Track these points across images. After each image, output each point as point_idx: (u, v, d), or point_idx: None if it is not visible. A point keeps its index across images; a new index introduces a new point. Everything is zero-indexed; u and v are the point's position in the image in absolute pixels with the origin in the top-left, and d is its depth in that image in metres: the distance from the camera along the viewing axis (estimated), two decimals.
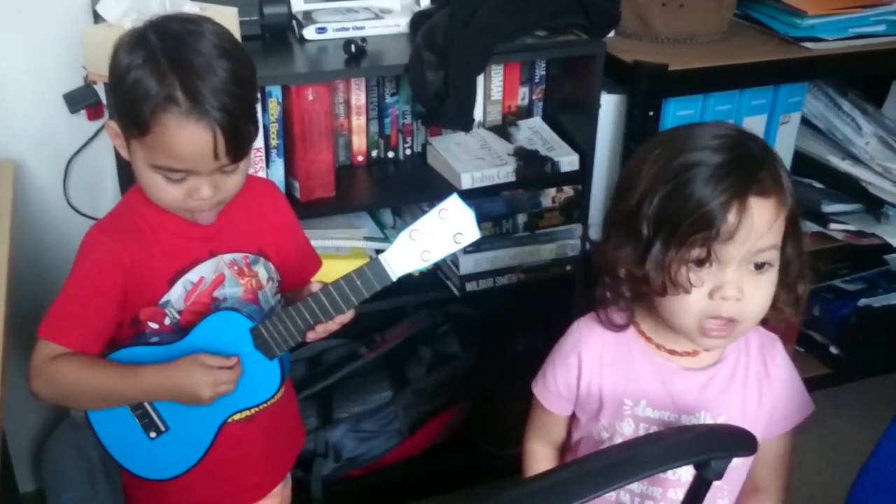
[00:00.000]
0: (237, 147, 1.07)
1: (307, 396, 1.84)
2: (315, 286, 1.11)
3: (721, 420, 1.11)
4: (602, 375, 1.14)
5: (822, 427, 2.14)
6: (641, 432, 1.13)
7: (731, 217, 0.96)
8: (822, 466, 2.04)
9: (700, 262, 0.99)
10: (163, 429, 1.18)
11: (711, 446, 0.83)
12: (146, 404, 1.17)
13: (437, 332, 2.01)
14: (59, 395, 1.13)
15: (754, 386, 1.13)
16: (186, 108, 1.01)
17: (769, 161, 1.02)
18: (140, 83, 1.02)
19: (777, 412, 1.14)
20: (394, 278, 1.07)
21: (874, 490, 0.98)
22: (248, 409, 1.19)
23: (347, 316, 1.13)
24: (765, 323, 1.11)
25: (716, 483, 0.88)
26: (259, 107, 1.54)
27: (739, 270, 1.00)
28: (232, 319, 1.13)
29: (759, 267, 1.01)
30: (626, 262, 1.04)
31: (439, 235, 1.04)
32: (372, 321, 1.99)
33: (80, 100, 1.56)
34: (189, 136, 1.03)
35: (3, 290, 1.21)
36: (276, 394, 1.18)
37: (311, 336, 1.13)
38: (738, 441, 0.88)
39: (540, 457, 1.27)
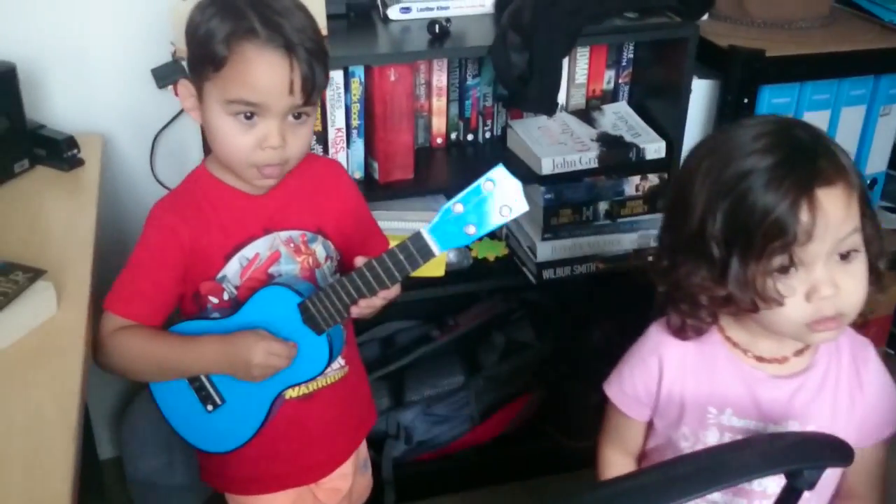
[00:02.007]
0: (311, 85, 1.07)
1: (380, 377, 1.84)
2: (359, 261, 1.09)
3: (810, 429, 1.05)
4: (685, 381, 1.10)
5: None
6: (727, 441, 1.08)
7: (804, 216, 0.91)
8: None
9: (784, 270, 0.94)
10: (219, 402, 1.19)
11: (805, 455, 0.79)
12: (203, 377, 1.18)
13: (511, 319, 1.98)
14: (121, 366, 1.15)
15: (846, 393, 1.07)
16: (265, 36, 1.04)
17: (822, 146, 0.96)
18: (217, 21, 1.05)
19: (870, 421, 1.08)
20: (437, 253, 1.02)
21: None
22: (299, 384, 1.19)
23: (392, 291, 1.10)
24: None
25: (805, 494, 0.84)
26: (342, 86, 1.55)
27: (828, 265, 0.95)
28: (280, 294, 1.13)
29: (846, 256, 0.96)
30: (705, 286, 0.99)
31: (485, 208, 0.99)
32: (446, 305, 1.97)
33: (167, 75, 1.57)
34: (267, 63, 1.04)
35: (90, 261, 1.23)
36: (324, 369, 1.16)
37: (355, 311, 1.11)
38: (832, 450, 0.83)
39: (617, 466, 1.22)
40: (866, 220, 0.98)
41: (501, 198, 0.98)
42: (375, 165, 1.62)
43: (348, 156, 1.60)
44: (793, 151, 0.94)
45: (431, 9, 1.62)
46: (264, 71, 1.05)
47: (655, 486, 0.72)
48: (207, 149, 1.46)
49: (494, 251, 1.82)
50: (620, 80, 1.82)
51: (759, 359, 1.07)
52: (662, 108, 1.73)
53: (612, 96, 1.83)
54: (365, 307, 1.11)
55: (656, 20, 1.60)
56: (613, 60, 1.79)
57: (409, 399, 1.83)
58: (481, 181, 0.99)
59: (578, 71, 1.79)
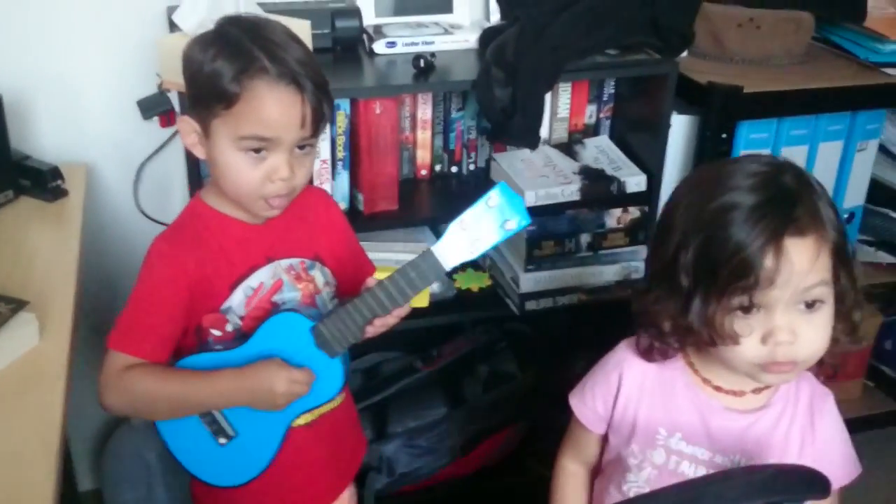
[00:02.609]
0: (320, 117, 1.10)
1: (362, 408, 1.84)
2: (371, 281, 1.11)
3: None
4: (640, 400, 1.11)
5: (892, 465, 2.06)
6: (672, 465, 1.10)
7: (769, 262, 0.92)
8: None
9: (745, 310, 0.95)
10: (232, 434, 1.18)
11: (784, 488, 0.80)
12: (214, 411, 1.17)
13: (495, 350, 1.98)
14: (133, 406, 1.14)
15: (797, 439, 1.07)
16: (276, 73, 1.05)
17: (806, 195, 0.96)
18: (225, 61, 1.05)
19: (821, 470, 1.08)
20: (447, 268, 1.06)
21: None
22: (314, 409, 1.19)
23: (405, 309, 1.13)
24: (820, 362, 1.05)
25: None
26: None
27: (789, 312, 0.96)
28: (292, 320, 1.13)
29: (811, 306, 0.96)
30: (670, 314, 1.01)
31: (488, 224, 1.03)
32: (429, 336, 1.97)
33: (153, 107, 1.59)
34: (279, 98, 1.05)
35: (72, 292, 1.23)
36: (340, 392, 1.18)
37: (370, 331, 1.13)
38: (811, 483, 0.84)
39: (569, 474, 1.24)
40: (842, 273, 0.99)
41: (503, 213, 1.02)
42: (360, 197, 1.63)
43: (333, 187, 1.61)
44: (773, 196, 0.95)
45: (416, 43, 1.64)
46: (278, 106, 1.06)
47: None
48: (193, 180, 1.47)
49: (478, 282, 1.83)
50: (602, 115, 1.84)
51: (718, 388, 1.08)
52: (643, 143, 1.76)
53: (593, 130, 1.85)
54: (380, 326, 1.13)
55: (636, 57, 1.63)
56: (595, 95, 1.82)
57: (391, 431, 1.82)
58: (485, 198, 1.02)
59: (561, 105, 1.81)
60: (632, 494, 1.11)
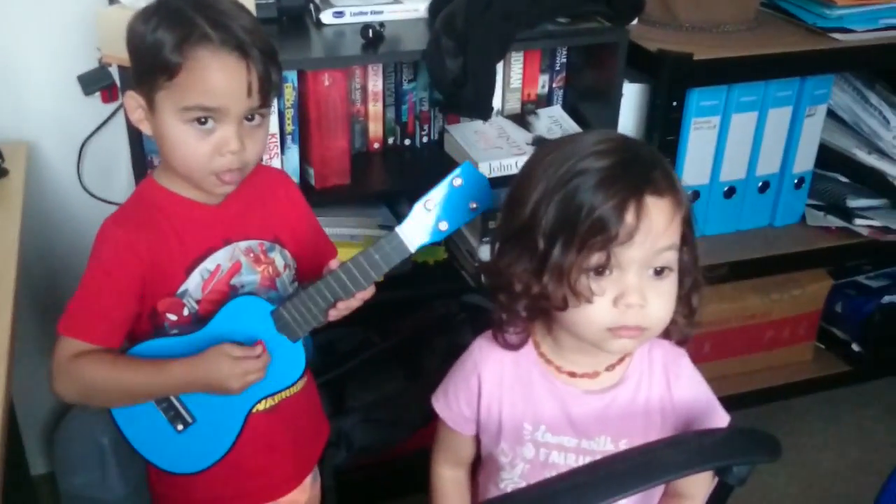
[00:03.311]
0: (268, 86, 1.07)
1: (319, 385, 1.82)
2: (334, 264, 1.10)
3: (623, 444, 1.06)
4: (502, 398, 1.10)
5: (841, 425, 2.12)
6: (542, 457, 1.09)
7: (629, 217, 0.92)
8: (840, 465, 2.01)
9: (600, 270, 0.95)
10: (190, 421, 1.16)
11: (734, 451, 0.81)
12: (171, 397, 1.15)
13: (453, 323, 1.98)
14: (85, 393, 1.11)
15: (657, 407, 1.08)
16: (219, 40, 1.02)
17: (660, 163, 0.98)
18: (165, 31, 1.03)
19: (688, 429, 1.08)
20: (412, 250, 1.06)
21: None
22: (275, 393, 1.18)
23: (368, 292, 1.12)
24: (666, 336, 1.06)
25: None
26: None
27: (641, 277, 0.96)
28: (252, 304, 1.12)
29: (659, 273, 0.97)
30: (523, 277, 0.99)
31: (454, 204, 1.03)
32: (386, 310, 1.96)
33: (94, 82, 1.55)
34: (223, 66, 1.03)
35: (13, 272, 1.20)
36: (301, 376, 1.16)
37: (333, 314, 1.13)
38: (760, 445, 0.85)
39: (447, 480, 1.23)
40: (686, 248, 1.00)
41: (470, 193, 1.02)
42: (311, 171, 1.61)
43: (283, 162, 1.59)
44: (631, 158, 0.96)
45: (365, 13, 1.61)
46: (222, 75, 1.03)
47: (588, 486, 0.73)
48: (136, 157, 1.44)
49: (434, 256, 1.82)
50: (554, 85, 1.84)
51: (572, 374, 1.08)
52: (595, 112, 1.75)
53: (546, 100, 1.85)
54: (343, 309, 1.12)
55: (587, 25, 1.62)
56: (547, 65, 1.81)
57: (349, 406, 1.81)
58: (450, 178, 1.02)
59: (513, 76, 1.80)
60: (509, 490, 1.12)
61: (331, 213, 1.69)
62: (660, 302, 0.97)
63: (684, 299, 1.02)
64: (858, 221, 2.00)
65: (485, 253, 1.70)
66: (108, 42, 1.38)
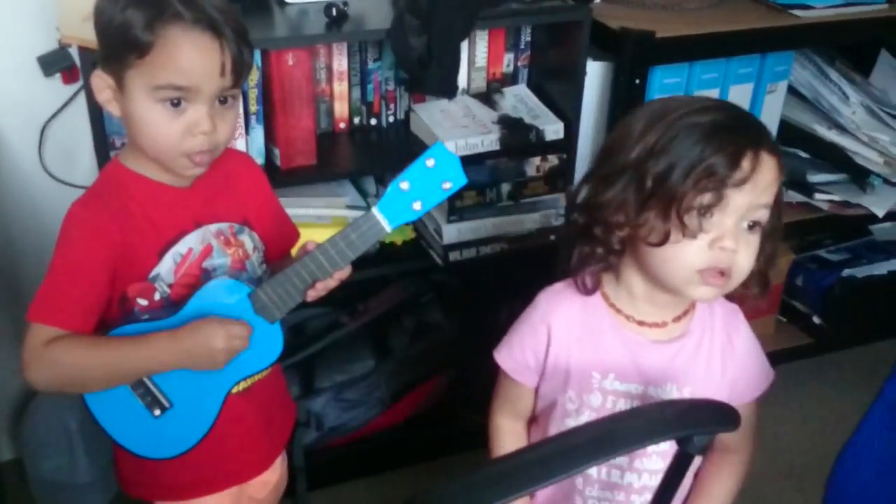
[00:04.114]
0: (240, 66, 1.06)
1: (289, 365, 1.83)
2: (311, 245, 1.10)
3: (686, 391, 1.12)
4: (570, 348, 1.14)
5: (803, 396, 2.16)
6: (609, 405, 1.13)
7: (746, 164, 0.98)
8: (802, 436, 2.05)
9: (705, 210, 1.00)
10: (167, 405, 1.15)
11: (695, 421, 0.83)
12: (147, 382, 1.14)
13: (421, 302, 1.99)
14: (62, 379, 1.09)
15: (718, 357, 1.14)
16: (191, 18, 1.01)
17: (767, 129, 1.05)
18: (135, 10, 1.01)
19: (741, 382, 1.16)
20: (388, 230, 1.07)
21: (856, 468, 0.98)
22: (253, 374, 1.18)
23: (346, 271, 1.12)
24: (731, 298, 1.13)
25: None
26: None
27: (737, 226, 1.01)
28: (229, 287, 1.11)
29: (752, 227, 1.03)
30: (627, 209, 1.03)
31: (428, 184, 1.04)
32: (354, 290, 1.97)
33: (54, 63, 1.53)
34: (196, 45, 1.02)
35: None
36: (278, 357, 1.16)
37: (311, 294, 1.13)
38: (720, 415, 0.87)
39: (507, 432, 1.25)
40: (775, 216, 1.05)
41: (443, 173, 1.04)
42: (277, 152, 1.60)
43: (248, 142, 1.58)
44: (743, 115, 1.04)
45: None
46: (194, 53, 1.02)
47: (553, 458, 0.74)
48: (98, 139, 1.42)
49: (401, 235, 1.83)
50: (519, 63, 1.84)
51: (641, 323, 1.12)
52: (560, 91, 1.76)
53: (511, 79, 1.85)
54: (322, 289, 1.12)
55: (551, 3, 1.62)
56: (512, 44, 1.82)
57: (319, 386, 1.82)
58: (423, 157, 1.04)
59: (478, 54, 1.80)
60: None
61: (297, 193, 1.68)
62: (747, 254, 1.03)
63: (761, 263, 1.07)
64: (819, 196, 2.03)
65: (450, 232, 1.71)
66: (68, 23, 1.36)
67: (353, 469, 1.90)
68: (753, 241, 1.04)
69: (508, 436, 1.25)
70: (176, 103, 1.04)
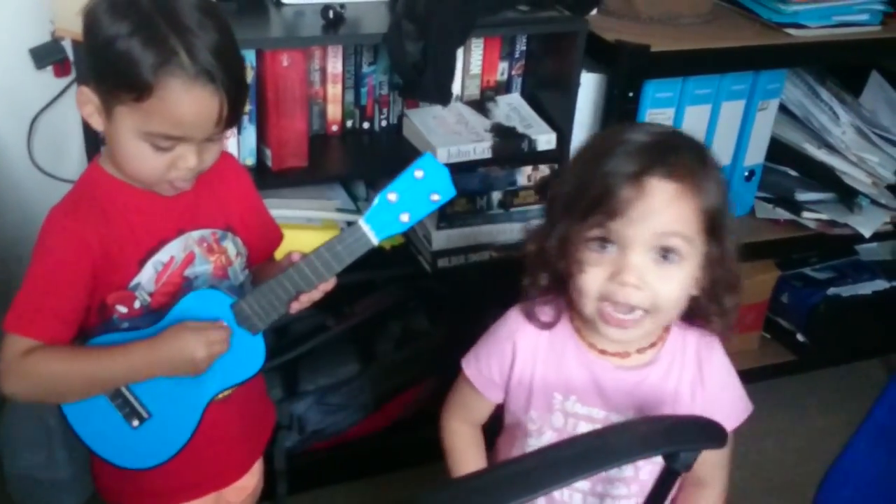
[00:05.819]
0: (238, 112, 1.04)
1: (272, 368, 1.82)
2: (295, 256, 1.09)
3: None
4: (535, 366, 1.13)
5: (786, 413, 2.17)
6: (570, 427, 1.12)
7: (627, 192, 0.95)
8: (784, 454, 2.06)
9: (601, 243, 0.98)
10: (145, 416, 1.13)
11: (681, 438, 0.83)
12: (125, 392, 1.12)
13: (407, 308, 1.99)
14: (40, 390, 1.07)
15: (687, 391, 1.11)
16: (193, 73, 0.97)
17: (694, 155, 0.99)
18: (139, 46, 0.96)
19: (713, 415, 1.09)
20: (375, 242, 1.05)
21: (843, 486, 0.98)
22: (234, 386, 1.16)
23: (330, 283, 1.11)
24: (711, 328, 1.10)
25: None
26: None
27: (644, 258, 0.98)
28: (211, 297, 1.10)
29: (665, 256, 0.99)
30: (538, 239, 1.04)
31: (416, 195, 1.03)
32: (341, 294, 1.95)
33: (46, 56, 1.51)
34: (196, 100, 0.99)
35: None
36: (261, 368, 1.15)
37: (295, 307, 1.11)
38: (707, 432, 0.87)
39: (462, 434, 1.24)
40: (712, 242, 1.01)
41: (431, 184, 1.03)
42: (268, 153, 1.60)
43: (239, 142, 1.57)
44: (659, 142, 0.99)
45: None
46: (193, 108, 0.99)
47: (539, 470, 0.74)
48: (89, 135, 1.41)
49: (390, 240, 1.82)
50: (514, 72, 1.84)
51: (603, 352, 1.10)
52: (553, 101, 1.77)
53: (505, 87, 1.85)
54: (305, 301, 1.11)
55: (547, 14, 1.63)
56: (507, 52, 1.82)
57: (302, 389, 1.81)
58: (412, 168, 1.02)
59: (473, 62, 1.80)
60: None
61: (287, 195, 1.67)
62: (662, 287, 0.99)
63: (711, 295, 1.03)
64: (806, 214, 2.04)
65: (440, 239, 1.71)
66: (62, 16, 1.35)
67: (334, 474, 1.89)
68: (673, 272, 0.99)
69: (465, 437, 1.25)
70: (166, 149, 1.02)
